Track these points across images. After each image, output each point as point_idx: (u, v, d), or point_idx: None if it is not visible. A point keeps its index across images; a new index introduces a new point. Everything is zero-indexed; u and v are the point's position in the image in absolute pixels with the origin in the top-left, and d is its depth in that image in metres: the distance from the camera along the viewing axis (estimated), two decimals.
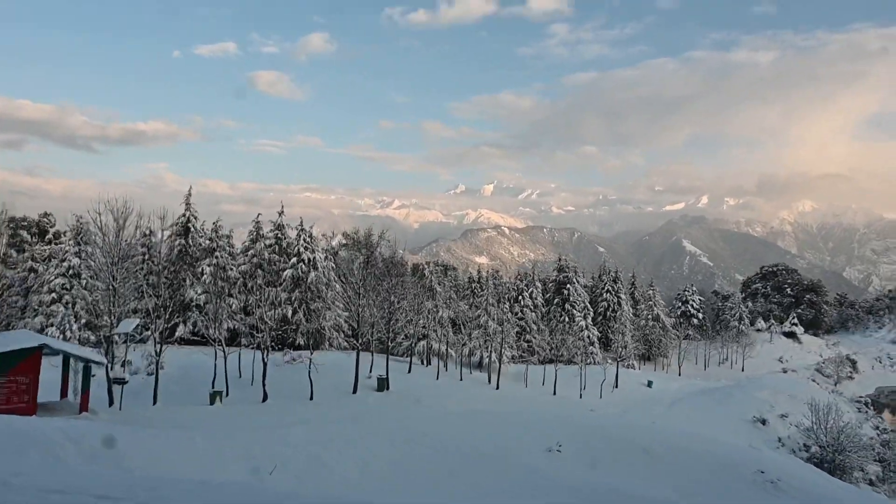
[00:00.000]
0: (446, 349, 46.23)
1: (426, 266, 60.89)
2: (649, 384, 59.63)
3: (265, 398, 30.79)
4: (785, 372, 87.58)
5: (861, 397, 68.04)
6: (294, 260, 51.02)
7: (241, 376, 33.63)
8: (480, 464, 23.84)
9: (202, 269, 49.22)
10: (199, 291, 47.74)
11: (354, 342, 33.30)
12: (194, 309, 46.72)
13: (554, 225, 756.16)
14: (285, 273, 49.54)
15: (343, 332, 49.43)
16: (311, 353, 31.10)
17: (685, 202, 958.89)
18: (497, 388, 44.48)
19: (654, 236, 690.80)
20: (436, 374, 42.90)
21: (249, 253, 51.57)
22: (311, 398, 31.16)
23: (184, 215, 54.13)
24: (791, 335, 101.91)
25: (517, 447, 27.83)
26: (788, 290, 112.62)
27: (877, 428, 53.06)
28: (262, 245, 52.05)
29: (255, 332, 31.12)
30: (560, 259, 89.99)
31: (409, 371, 42.05)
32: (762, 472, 32.57)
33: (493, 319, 56.77)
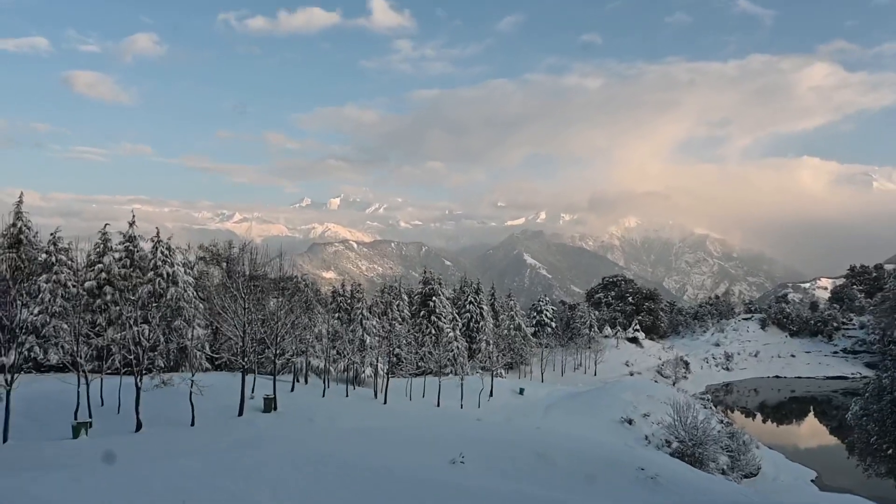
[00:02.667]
0: (326, 365, 44.06)
1: (301, 279, 58.02)
2: (521, 392, 60.88)
3: (139, 427, 26.99)
4: (631, 375, 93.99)
5: (704, 394, 74.85)
6: (150, 275, 46.27)
7: (103, 404, 29.42)
8: (391, 482, 22.56)
9: (39, 287, 43.14)
10: (36, 312, 41.72)
11: (238, 361, 30.38)
12: (30, 332, 40.68)
13: (402, 239, 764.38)
14: (141, 289, 44.79)
15: (205, 352, 45.59)
16: (193, 374, 27.84)
17: (525, 217, 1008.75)
18: (385, 402, 43.03)
19: (498, 250, 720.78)
20: (321, 391, 40.65)
21: (97, 268, 45.94)
22: (193, 424, 27.88)
23: (14, 225, 47.34)
24: (634, 340, 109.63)
25: (423, 462, 26.84)
26: (630, 298, 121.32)
27: (721, 422, 58.07)
28: (111, 259, 46.64)
29: (106, 355, 27.29)
30: (425, 271, 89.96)
31: (293, 390, 39.45)
32: (643, 469, 34.06)
33: (369, 333, 55.23)
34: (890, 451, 23.36)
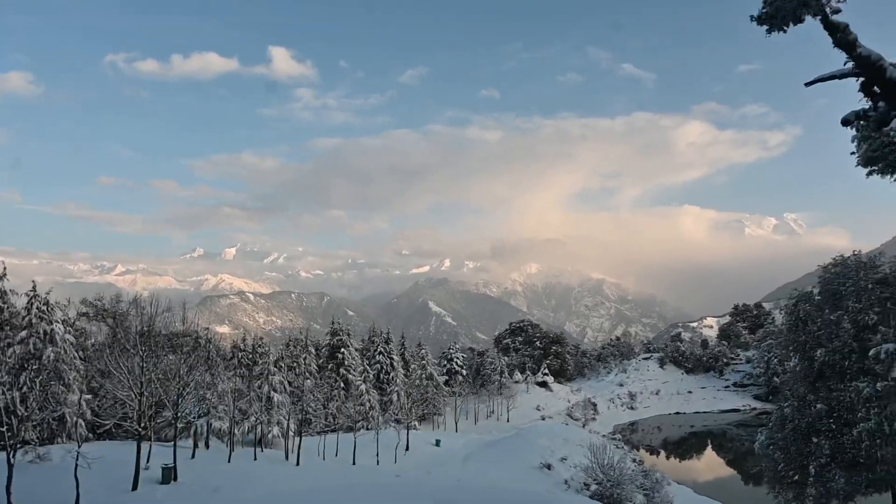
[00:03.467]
0: (231, 427, 41.00)
1: (200, 333, 54.65)
2: (437, 443, 59.65)
3: None
4: (543, 419, 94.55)
5: (613, 434, 76.24)
6: (24, 333, 41.97)
7: None
8: None
9: None
10: None
11: (132, 426, 27.52)
12: None
13: (302, 289, 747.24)
14: (11, 350, 40.44)
15: (86, 419, 41.53)
16: (80, 446, 24.82)
17: (430, 265, 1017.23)
18: (297, 464, 40.55)
19: (402, 298, 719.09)
20: (227, 456, 37.65)
21: None
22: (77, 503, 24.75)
23: None
24: (543, 384, 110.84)
25: None
26: (538, 343, 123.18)
27: (634, 460, 59.14)
28: None
29: None
30: (333, 322, 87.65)
31: (193, 456, 36.34)
32: None
33: (276, 389, 52.60)
34: (796, 478, 24.19)
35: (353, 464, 44.92)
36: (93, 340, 49.50)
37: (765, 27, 9.22)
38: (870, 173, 10.26)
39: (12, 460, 23.62)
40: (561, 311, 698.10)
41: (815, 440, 25.07)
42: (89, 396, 40.49)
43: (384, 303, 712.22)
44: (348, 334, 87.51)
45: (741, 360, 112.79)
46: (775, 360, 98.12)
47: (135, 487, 27.21)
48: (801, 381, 27.33)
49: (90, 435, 40.51)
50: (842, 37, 8.89)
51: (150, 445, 32.11)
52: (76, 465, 24.29)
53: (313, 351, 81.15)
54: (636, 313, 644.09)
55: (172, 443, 32.61)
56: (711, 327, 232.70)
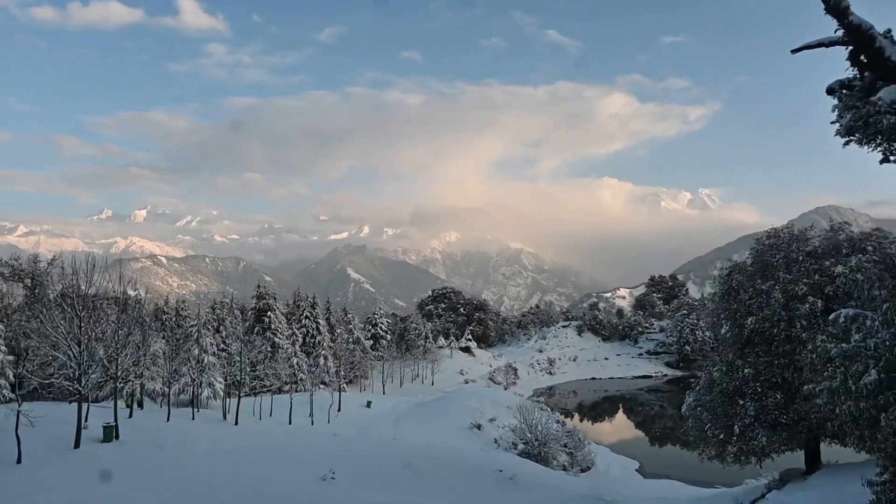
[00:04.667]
0: (170, 388, 40.03)
1: (132, 293, 52.48)
2: (368, 405, 60.28)
3: None
4: (466, 383, 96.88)
5: (533, 398, 79.19)
6: None
7: None
8: (262, 501, 21.35)
9: None
10: None
11: (73, 386, 26.49)
12: None
13: (217, 254, 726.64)
14: None
15: (9, 381, 39.57)
16: (20, 405, 23.77)
17: (348, 231, 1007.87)
18: (236, 423, 40.21)
19: (321, 265, 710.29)
20: (165, 416, 36.89)
21: None
22: (20, 461, 23.85)
23: None
24: (466, 350, 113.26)
25: (292, 479, 25.73)
26: (461, 309, 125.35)
27: (557, 422, 61.85)
28: None
29: None
30: (259, 286, 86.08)
31: (131, 416, 35.46)
32: (501, 471, 35.60)
33: (208, 352, 51.64)
34: (721, 436, 26.23)
35: (290, 423, 45.01)
36: (8, 302, 46.86)
37: None
38: (847, 142, 10.88)
39: None
40: (479, 280, 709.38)
41: (740, 402, 26.82)
42: (11, 358, 38.57)
43: (302, 269, 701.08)
44: (274, 298, 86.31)
45: (655, 329, 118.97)
46: (687, 330, 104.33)
47: (77, 445, 26.44)
48: (731, 346, 29.10)
49: (12, 395, 38.72)
50: (835, 3, 8.76)
51: (88, 406, 31.09)
52: (17, 423, 23.35)
53: (239, 314, 79.73)
54: (552, 283, 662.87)
55: (108, 404, 31.73)
56: (624, 298, 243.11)
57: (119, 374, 29.68)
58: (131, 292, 42.72)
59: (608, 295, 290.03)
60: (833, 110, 11.12)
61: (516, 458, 41.32)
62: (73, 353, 25.78)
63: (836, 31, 9.70)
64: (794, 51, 10.25)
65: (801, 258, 26.10)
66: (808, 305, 24.48)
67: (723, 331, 29.66)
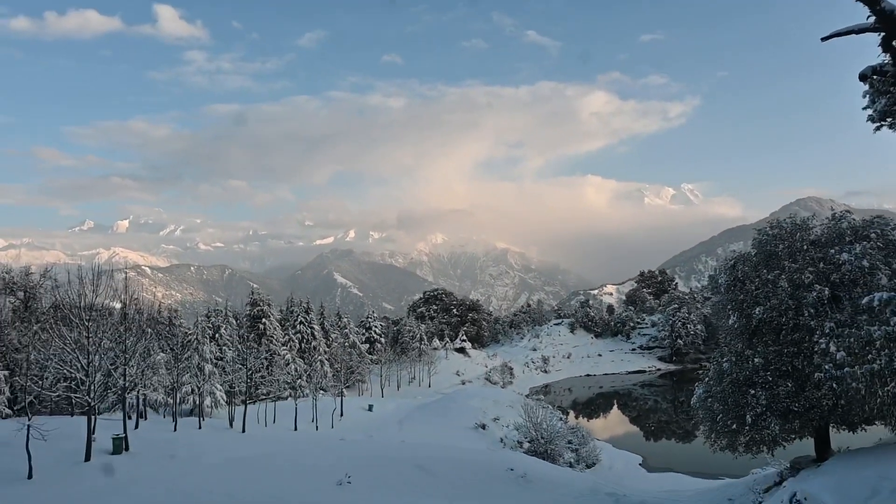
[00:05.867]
0: (175, 397, 39.70)
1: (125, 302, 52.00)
2: (370, 408, 60.16)
3: None
4: (463, 383, 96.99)
5: (529, 396, 79.27)
6: None
7: None
8: None
9: None
10: None
11: (83, 398, 26.14)
12: None
13: (202, 262, 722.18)
14: None
15: (5, 395, 39.11)
16: (29, 418, 23.41)
17: (334, 236, 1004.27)
18: (243, 430, 39.95)
19: (307, 270, 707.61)
20: (171, 426, 36.57)
21: None
22: (31, 476, 23.47)
23: None
24: (462, 350, 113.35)
25: (310, 487, 25.64)
26: (454, 310, 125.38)
27: (559, 419, 62.06)
28: None
29: None
30: (252, 293, 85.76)
31: (137, 427, 35.12)
32: (512, 469, 35.68)
33: (207, 360, 51.33)
34: (734, 427, 26.35)
35: (295, 429, 44.77)
36: (2, 315, 46.39)
37: None
38: (879, 127, 11.04)
39: None
40: (466, 281, 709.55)
41: (752, 392, 26.90)
42: (6, 372, 38.14)
43: (288, 275, 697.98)
44: (269, 304, 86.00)
45: (647, 324, 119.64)
46: (679, 324, 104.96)
47: (88, 458, 26.13)
48: (739, 337, 29.28)
49: (9, 411, 38.26)
50: None
51: (95, 418, 30.74)
52: (27, 437, 23.04)
53: (234, 322, 79.31)
54: (539, 282, 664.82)
55: (110, 415, 31.40)
56: (612, 294, 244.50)
57: (127, 384, 29.38)
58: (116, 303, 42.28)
59: (595, 292, 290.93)
60: (864, 96, 11.27)
61: (524, 457, 41.40)
62: (82, 364, 25.49)
63: (867, 18, 9.83)
64: (825, 38, 10.39)
65: (805, 247, 26.37)
66: (815, 293, 24.73)
67: (730, 321, 29.78)
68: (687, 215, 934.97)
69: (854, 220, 27.66)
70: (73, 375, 26.30)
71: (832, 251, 26.02)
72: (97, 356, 26.19)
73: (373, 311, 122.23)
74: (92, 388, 25.82)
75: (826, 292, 24.90)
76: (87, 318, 26.50)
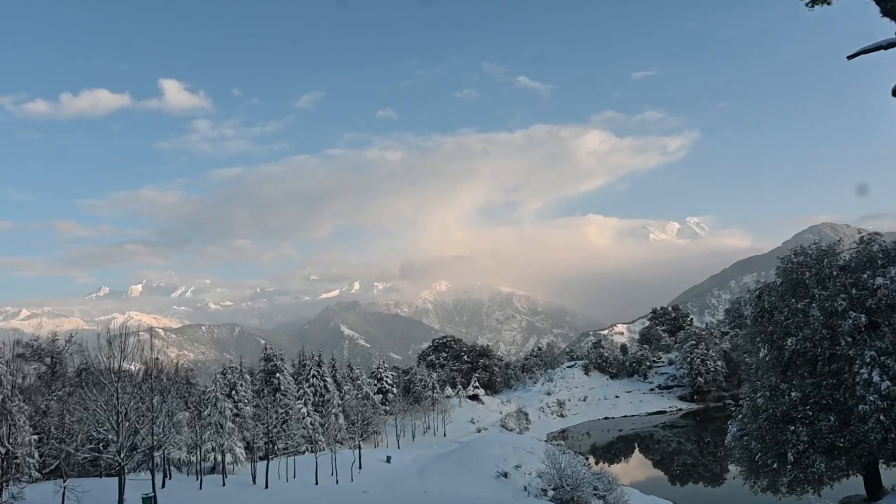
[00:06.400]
0: (199, 455, 39.16)
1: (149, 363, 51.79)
2: (388, 459, 59.03)
3: None
4: (479, 431, 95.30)
5: (558, 443, 77.81)
6: None
7: None
8: None
9: None
10: None
11: (115, 460, 25.81)
12: None
13: (213, 321, 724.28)
14: None
15: (34, 458, 38.70)
16: (65, 481, 23.13)
17: (339, 289, 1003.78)
18: (266, 486, 39.19)
19: (314, 324, 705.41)
20: (196, 483, 35.94)
21: None
22: None
23: None
24: (475, 397, 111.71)
25: None
26: (465, 357, 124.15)
27: (584, 465, 60.64)
28: None
29: None
30: (266, 348, 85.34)
31: (164, 486, 34.51)
32: None
33: (227, 417, 50.73)
34: (775, 465, 25.35)
35: (316, 483, 43.92)
36: (29, 381, 46.66)
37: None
38: None
39: (2, 499, 21.90)
40: (473, 327, 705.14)
41: (791, 428, 25.80)
42: (35, 437, 37.83)
43: (296, 330, 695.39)
44: (282, 359, 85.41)
45: (664, 362, 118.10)
46: (698, 361, 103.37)
47: None
48: (771, 370, 28.38)
49: (38, 475, 37.79)
50: (892, 5, 8.82)
51: (124, 479, 30.31)
52: (63, 499, 22.63)
53: (248, 378, 78.61)
54: (547, 324, 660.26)
55: (135, 476, 30.85)
56: (622, 334, 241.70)
57: (154, 443, 29.01)
58: (133, 365, 42.27)
59: (605, 332, 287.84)
60: None
61: None
62: (112, 424, 25.28)
63: None
64: (850, 56, 10.36)
65: (834, 273, 25.84)
66: (850, 321, 24.13)
67: (760, 355, 29.04)
68: (694, 249, 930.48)
69: (884, 242, 27.22)
70: (104, 436, 26.03)
71: (864, 276, 25.35)
72: (126, 416, 25.97)
73: (383, 362, 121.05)
74: (122, 448, 25.52)
75: (863, 319, 24.32)
76: (116, 379, 26.41)
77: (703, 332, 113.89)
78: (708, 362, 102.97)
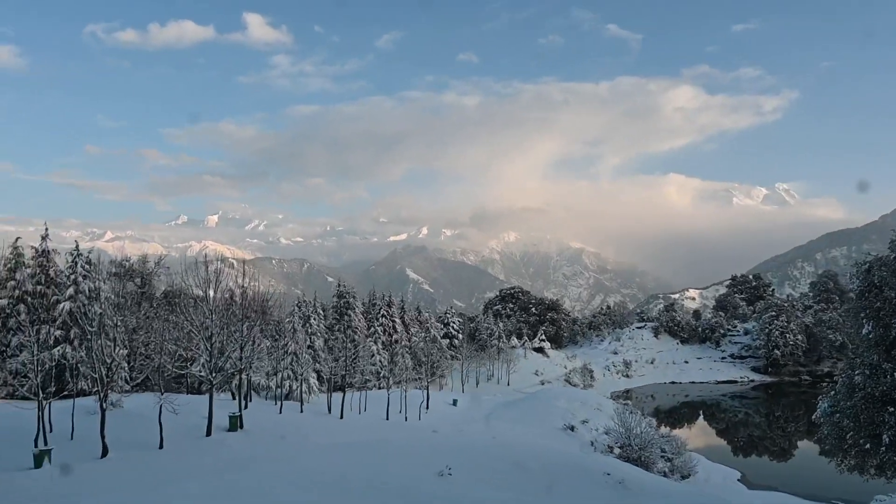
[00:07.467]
0: (279, 381, 41.24)
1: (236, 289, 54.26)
2: (454, 403, 60.21)
3: (105, 452, 23.78)
4: (542, 384, 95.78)
5: (625, 402, 77.61)
6: (71, 290, 41.68)
7: (52, 430, 25.60)
8: (390, 496, 21.63)
9: None
10: None
11: (207, 378, 27.40)
12: None
13: (283, 256, 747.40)
14: (60, 307, 40.22)
15: (125, 370, 41.43)
16: (162, 393, 24.77)
17: (407, 233, 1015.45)
18: (341, 416, 40.94)
19: (380, 266, 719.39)
20: (278, 408, 37.91)
21: (9, 285, 41.17)
22: (161, 447, 24.85)
23: None
24: (540, 350, 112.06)
25: (413, 474, 25.78)
26: (533, 309, 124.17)
27: (650, 426, 60.18)
28: (25, 275, 41.88)
29: (71, 375, 23.98)
30: (339, 285, 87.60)
31: (246, 407, 36.56)
32: (609, 474, 34.50)
33: (302, 347, 52.67)
34: (867, 446, 24.19)
35: (387, 419, 45.44)
36: (126, 300, 49.74)
37: None
38: None
39: (105, 406, 23.57)
40: (539, 280, 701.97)
41: (890, 409, 24.78)
42: (126, 351, 40.30)
43: (363, 270, 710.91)
44: (354, 297, 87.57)
45: (739, 331, 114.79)
46: (777, 333, 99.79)
47: (209, 433, 27.30)
48: (874, 348, 27.07)
49: (128, 387, 40.46)
50: None
51: (212, 397, 32.20)
52: (160, 411, 24.19)
53: (321, 313, 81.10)
54: (615, 283, 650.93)
55: (221, 396, 32.45)
56: (694, 299, 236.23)
57: (242, 366, 30.47)
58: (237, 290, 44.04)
59: (676, 296, 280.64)
60: None
61: (620, 462, 40.22)
62: (206, 346, 26.59)
63: None
64: None
65: None
66: None
67: (864, 331, 27.67)
68: (781, 217, 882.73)
69: None
70: (192, 355, 27.47)
71: None
72: (217, 338, 27.21)
73: (450, 307, 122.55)
74: (213, 367, 26.84)
75: None
76: (210, 303, 27.61)
77: (785, 304, 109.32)
78: (787, 335, 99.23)
